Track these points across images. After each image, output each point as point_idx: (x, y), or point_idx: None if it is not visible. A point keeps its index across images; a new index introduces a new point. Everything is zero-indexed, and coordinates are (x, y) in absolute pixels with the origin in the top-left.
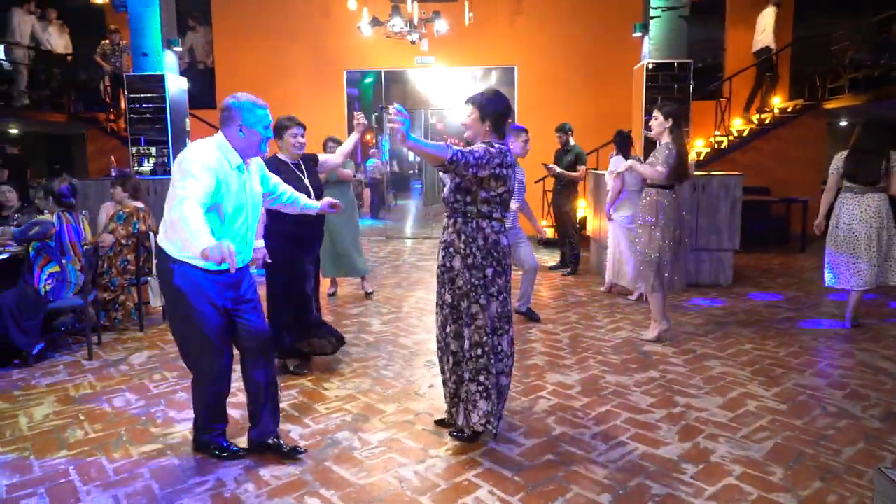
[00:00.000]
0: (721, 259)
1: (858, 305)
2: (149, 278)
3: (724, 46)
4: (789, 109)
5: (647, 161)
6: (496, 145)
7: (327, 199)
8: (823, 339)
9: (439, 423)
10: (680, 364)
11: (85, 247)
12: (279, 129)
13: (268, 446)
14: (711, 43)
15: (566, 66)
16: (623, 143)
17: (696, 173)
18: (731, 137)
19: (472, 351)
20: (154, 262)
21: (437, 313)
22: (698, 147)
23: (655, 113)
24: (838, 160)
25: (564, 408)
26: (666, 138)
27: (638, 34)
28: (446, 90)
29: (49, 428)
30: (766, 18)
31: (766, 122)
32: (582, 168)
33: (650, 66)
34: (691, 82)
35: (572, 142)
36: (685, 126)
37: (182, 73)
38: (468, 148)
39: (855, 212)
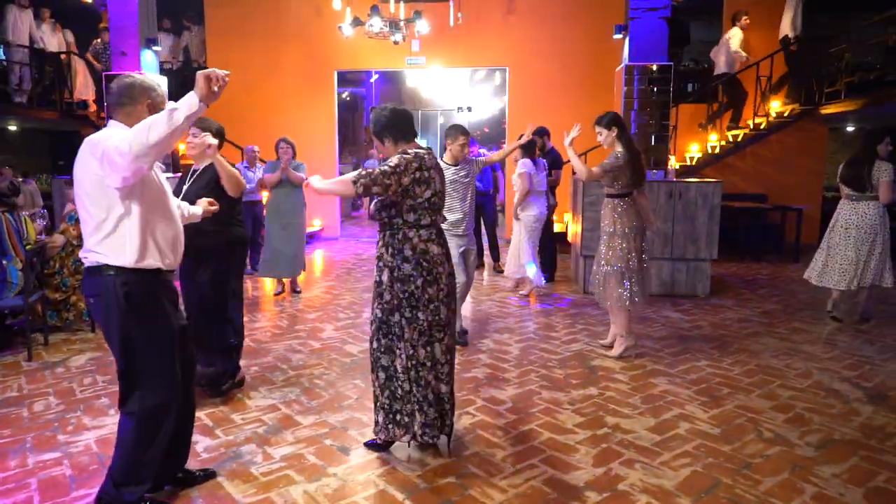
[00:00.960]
0: (699, 268)
1: (839, 302)
2: None
3: None
4: (786, 114)
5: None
6: (410, 151)
7: (204, 200)
8: (785, 357)
9: (369, 445)
10: (624, 380)
11: (28, 247)
12: None
13: (175, 479)
14: (710, 45)
15: (558, 66)
16: (527, 147)
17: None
18: (723, 143)
19: (408, 363)
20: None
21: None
22: (691, 152)
23: (597, 129)
24: (840, 168)
25: (487, 425)
26: (618, 146)
27: (618, 36)
28: (450, 91)
29: None
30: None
31: (762, 126)
32: (557, 172)
33: (628, 69)
34: (671, 85)
35: (550, 145)
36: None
37: (177, 72)
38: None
39: (852, 217)
